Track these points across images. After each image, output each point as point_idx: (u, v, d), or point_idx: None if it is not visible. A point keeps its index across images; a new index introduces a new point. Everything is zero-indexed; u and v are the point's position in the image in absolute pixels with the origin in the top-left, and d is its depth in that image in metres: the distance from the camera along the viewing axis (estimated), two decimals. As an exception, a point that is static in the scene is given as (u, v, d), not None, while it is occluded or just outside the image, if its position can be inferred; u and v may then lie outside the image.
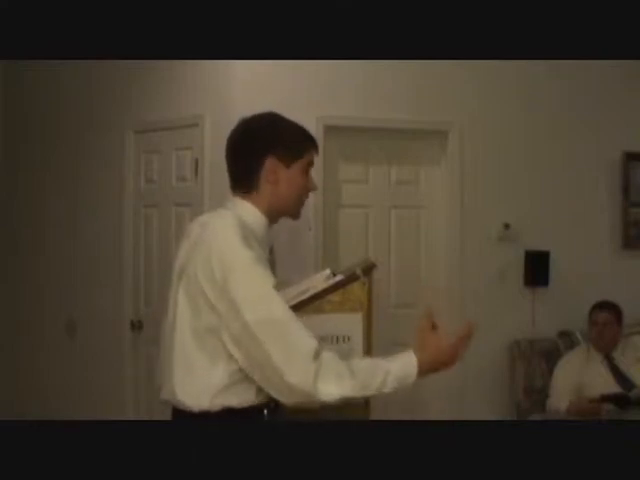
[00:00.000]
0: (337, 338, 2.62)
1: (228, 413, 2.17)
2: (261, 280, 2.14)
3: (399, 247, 4.68)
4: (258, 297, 2.13)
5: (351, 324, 2.36)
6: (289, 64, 4.05)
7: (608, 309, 4.55)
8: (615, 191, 5.12)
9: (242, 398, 2.18)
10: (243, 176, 2.32)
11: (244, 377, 2.16)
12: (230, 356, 2.15)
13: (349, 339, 2.64)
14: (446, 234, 4.71)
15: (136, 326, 4.70)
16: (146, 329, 4.66)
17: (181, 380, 2.20)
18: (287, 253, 2.60)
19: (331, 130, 4.31)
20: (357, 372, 2.11)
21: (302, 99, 4.22)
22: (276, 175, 2.29)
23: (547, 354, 4.76)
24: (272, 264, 2.29)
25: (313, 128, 3.46)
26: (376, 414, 2.76)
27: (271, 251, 2.35)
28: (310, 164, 2.36)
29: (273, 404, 2.20)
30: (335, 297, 2.49)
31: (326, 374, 2.08)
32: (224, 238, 2.19)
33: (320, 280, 2.54)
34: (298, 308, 2.40)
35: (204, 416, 2.17)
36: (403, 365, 2.15)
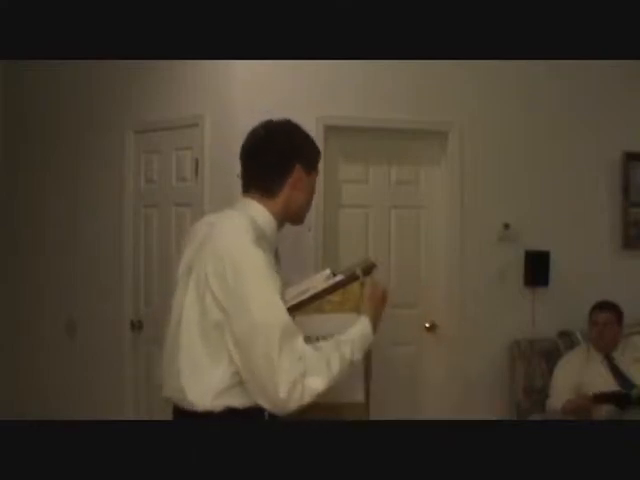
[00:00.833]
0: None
1: (230, 413, 2.18)
2: (271, 284, 2.16)
3: (399, 247, 4.68)
4: (266, 301, 2.15)
5: (351, 324, 2.36)
6: (289, 64, 4.06)
7: (608, 309, 4.55)
8: (615, 191, 5.12)
9: (244, 399, 2.19)
10: (265, 179, 2.34)
11: (245, 378, 2.18)
12: (232, 357, 2.16)
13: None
14: (446, 234, 4.71)
15: (136, 326, 4.70)
16: (146, 329, 4.67)
17: (189, 380, 2.21)
18: (287, 253, 2.60)
19: (331, 130, 4.31)
20: (332, 361, 2.19)
21: (302, 99, 4.22)
22: (302, 183, 2.35)
23: (547, 354, 4.76)
24: (277, 267, 2.31)
25: (313, 128, 3.49)
26: (376, 414, 2.76)
27: (276, 254, 2.37)
28: (317, 174, 2.46)
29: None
30: (335, 297, 2.48)
31: (307, 392, 2.12)
32: (237, 238, 2.20)
33: (320, 280, 2.54)
34: (298, 308, 2.40)
35: (207, 416, 2.18)
36: (361, 329, 2.34)
